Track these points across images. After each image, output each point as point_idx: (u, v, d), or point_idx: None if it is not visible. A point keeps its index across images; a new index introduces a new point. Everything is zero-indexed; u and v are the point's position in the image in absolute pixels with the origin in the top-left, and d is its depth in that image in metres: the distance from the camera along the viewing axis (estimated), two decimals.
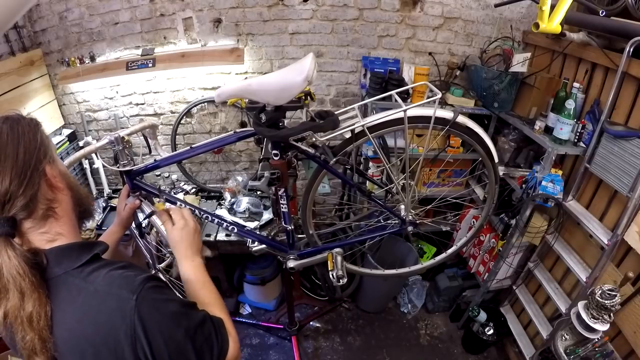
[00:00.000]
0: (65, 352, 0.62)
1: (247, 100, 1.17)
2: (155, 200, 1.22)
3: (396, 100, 1.19)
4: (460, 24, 2.24)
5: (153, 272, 1.19)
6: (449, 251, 1.72)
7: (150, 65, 2.16)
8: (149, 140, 1.30)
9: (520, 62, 1.94)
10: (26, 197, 0.62)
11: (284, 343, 2.46)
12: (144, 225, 1.30)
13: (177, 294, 0.73)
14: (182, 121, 2.39)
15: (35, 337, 0.60)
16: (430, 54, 2.30)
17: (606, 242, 1.58)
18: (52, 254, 0.65)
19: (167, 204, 1.14)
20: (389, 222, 1.55)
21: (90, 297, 0.62)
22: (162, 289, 0.68)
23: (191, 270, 0.87)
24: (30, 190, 0.63)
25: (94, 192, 2.48)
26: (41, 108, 2.20)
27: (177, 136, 2.41)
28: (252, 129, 1.15)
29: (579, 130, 1.73)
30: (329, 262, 1.41)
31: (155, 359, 0.62)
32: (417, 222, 1.47)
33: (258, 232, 1.95)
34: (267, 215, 2.30)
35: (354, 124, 1.15)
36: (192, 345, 0.66)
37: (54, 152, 0.72)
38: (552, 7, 1.48)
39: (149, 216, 1.11)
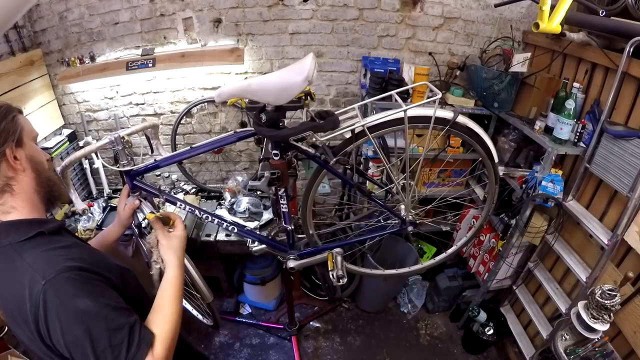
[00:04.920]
0: (3, 310, 0.75)
1: (247, 100, 1.17)
2: (155, 200, 1.22)
3: (396, 100, 1.19)
4: (460, 24, 2.24)
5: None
6: (449, 251, 1.72)
7: (150, 65, 2.16)
8: (151, 140, 1.30)
9: (520, 62, 1.94)
10: None
11: (284, 343, 2.46)
12: (143, 225, 1.30)
13: (108, 292, 0.75)
14: (182, 121, 2.39)
15: None
16: (430, 54, 2.30)
17: (606, 242, 1.58)
18: (2, 226, 0.76)
19: (169, 205, 1.16)
20: (389, 222, 1.54)
21: (15, 269, 0.71)
22: (81, 283, 0.70)
23: (172, 279, 0.89)
24: None
25: (94, 192, 2.48)
26: (41, 108, 2.20)
27: (177, 136, 2.41)
28: (252, 129, 1.15)
29: (579, 130, 1.73)
30: (329, 262, 1.41)
31: (52, 340, 0.68)
32: (417, 222, 1.47)
33: (258, 232, 1.95)
34: (267, 215, 2.30)
35: (354, 124, 1.15)
36: (92, 344, 0.67)
37: (27, 137, 0.81)
38: (552, 7, 1.48)
39: (138, 228, 1.16)
